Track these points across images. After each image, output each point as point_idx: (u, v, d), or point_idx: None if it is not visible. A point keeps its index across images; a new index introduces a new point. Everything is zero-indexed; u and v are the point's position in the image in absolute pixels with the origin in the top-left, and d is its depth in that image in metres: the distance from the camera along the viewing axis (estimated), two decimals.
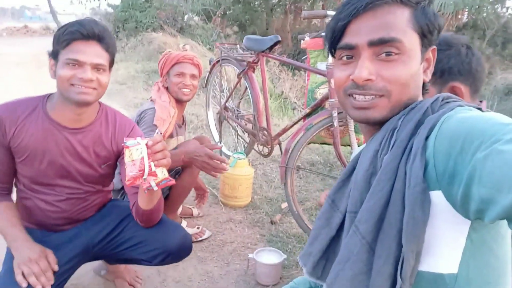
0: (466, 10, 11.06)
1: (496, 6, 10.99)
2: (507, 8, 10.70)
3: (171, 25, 10.58)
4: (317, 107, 2.12)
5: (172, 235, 1.37)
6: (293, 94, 5.20)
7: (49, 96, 1.31)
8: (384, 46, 0.72)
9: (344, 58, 0.78)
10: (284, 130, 2.42)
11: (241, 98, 2.96)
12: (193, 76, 1.94)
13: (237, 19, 13.03)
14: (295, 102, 5.15)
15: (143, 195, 1.23)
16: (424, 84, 0.77)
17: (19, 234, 1.22)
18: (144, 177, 1.04)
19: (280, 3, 15.00)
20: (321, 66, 2.13)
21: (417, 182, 0.63)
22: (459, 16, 11.19)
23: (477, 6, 10.83)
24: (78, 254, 1.33)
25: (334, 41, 0.80)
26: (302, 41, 2.16)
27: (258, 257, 1.77)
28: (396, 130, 0.71)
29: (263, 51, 2.47)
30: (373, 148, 0.74)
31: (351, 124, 2.00)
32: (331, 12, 1.85)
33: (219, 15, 11.92)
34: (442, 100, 0.70)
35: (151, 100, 1.92)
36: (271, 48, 2.45)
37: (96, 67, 1.21)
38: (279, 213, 2.39)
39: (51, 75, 1.25)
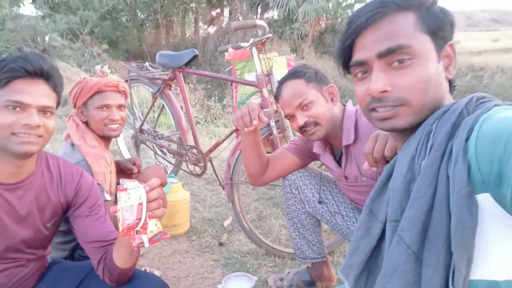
0: (324, 16, 12.40)
1: (347, 11, 12.56)
2: None
3: (32, 48, 9.39)
4: None
5: None
6: (193, 108, 5.08)
7: None
8: (393, 54, 0.72)
9: (359, 74, 0.78)
10: (216, 145, 2.32)
11: (157, 120, 2.75)
12: (120, 107, 1.58)
13: (107, 36, 12.26)
14: (197, 116, 5.03)
15: (125, 252, 1.02)
16: (450, 81, 0.77)
17: None
18: (136, 228, 0.86)
19: (150, 17, 14.62)
20: (250, 76, 2.10)
21: (462, 186, 0.61)
22: (320, 22, 12.48)
23: (332, 13, 12.25)
24: None
25: (345, 60, 0.79)
26: (225, 53, 2.10)
27: (227, 286, 1.64)
28: (432, 133, 0.70)
29: (179, 67, 2.33)
30: (409, 154, 0.73)
31: (289, 130, 2.02)
32: (260, 22, 1.84)
33: (87, 33, 11.03)
34: (477, 101, 0.70)
35: (69, 142, 1.55)
36: (187, 63, 2.33)
37: (43, 110, 0.98)
38: (224, 233, 2.28)
39: None
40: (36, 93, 0.96)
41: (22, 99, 0.94)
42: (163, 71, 2.50)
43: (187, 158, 2.39)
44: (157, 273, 1.90)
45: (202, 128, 4.79)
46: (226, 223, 2.38)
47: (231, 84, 6.04)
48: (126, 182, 0.88)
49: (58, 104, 1.05)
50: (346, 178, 1.41)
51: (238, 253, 2.08)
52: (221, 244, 2.17)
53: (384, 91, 0.72)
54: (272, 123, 1.96)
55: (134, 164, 1.76)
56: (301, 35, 11.52)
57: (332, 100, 1.39)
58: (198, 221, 2.45)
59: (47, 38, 10.72)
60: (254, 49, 1.97)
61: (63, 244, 1.51)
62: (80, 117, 1.59)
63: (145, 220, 0.86)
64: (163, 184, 1.82)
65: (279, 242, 2.15)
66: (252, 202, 2.66)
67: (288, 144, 1.60)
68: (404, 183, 0.71)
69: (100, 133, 1.57)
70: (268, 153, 2.33)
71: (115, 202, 1.56)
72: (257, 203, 2.65)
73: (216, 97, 5.93)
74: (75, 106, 1.60)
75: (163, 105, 2.62)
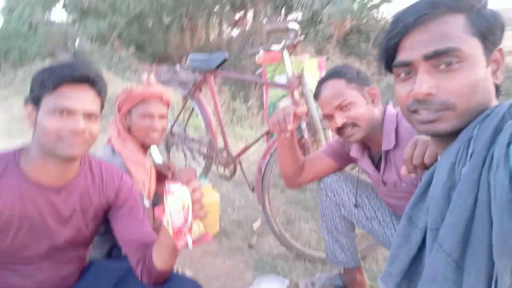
0: (350, 17, 12.23)
1: (372, 12, 12.36)
2: (382, 12, 12.15)
3: (63, 52, 9.74)
4: None
5: None
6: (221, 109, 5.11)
7: (20, 150, 1.04)
8: (441, 57, 0.70)
9: (402, 75, 0.77)
10: (245, 149, 2.33)
11: (187, 122, 2.79)
12: (162, 117, 1.63)
13: (134, 40, 12.55)
14: (223, 118, 5.07)
15: (166, 254, 1.04)
16: (497, 87, 0.75)
17: None
18: (184, 230, 0.88)
19: (175, 21, 14.86)
20: (280, 79, 2.10)
21: (503, 192, 0.59)
22: (345, 23, 12.33)
23: (357, 13, 12.09)
24: None
25: (389, 59, 0.78)
26: (257, 55, 2.11)
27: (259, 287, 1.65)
28: (473, 139, 0.68)
29: (210, 70, 2.36)
30: (449, 161, 0.71)
31: (321, 133, 2.00)
32: (292, 25, 1.84)
33: (115, 37, 11.33)
34: None
35: (111, 146, 1.59)
36: (218, 66, 2.36)
37: (88, 115, 1.01)
38: (254, 235, 2.28)
39: (30, 124, 1.01)
40: (82, 98, 0.99)
41: (69, 105, 0.97)
42: (193, 73, 2.53)
43: (218, 160, 2.41)
44: (188, 272, 1.92)
45: (228, 130, 4.82)
46: (255, 226, 2.39)
47: (255, 86, 6.09)
48: (171, 185, 0.90)
49: (101, 108, 1.09)
50: (384, 183, 1.38)
51: (268, 256, 2.08)
52: (250, 246, 2.18)
53: (428, 94, 0.71)
54: (303, 126, 1.95)
55: (168, 169, 1.80)
56: (325, 36, 11.43)
57: (373, 101, 1.36)
58: (227, 223, 2.46)
59: (77, 42, 11.10)
60: (285, 52, 1.97)
61: (100, 243, 1.55)
62: (123, 123, 1.64)
63: (191, 221, 0.88)
64: None
65: (309, 246, 2.14)
66: (281, 206, 2.66)
67: (324, 147, 1.59)
68: (444, 190, 0.70)
69: (141, 140, 1.62)
70: None
71: (153, 208, 1.59)
72: (286, 206, 2.64)
73: (242, 99, 5.95)
74: (119, 111, 1.65)
75: (193, 108, 2.66)
